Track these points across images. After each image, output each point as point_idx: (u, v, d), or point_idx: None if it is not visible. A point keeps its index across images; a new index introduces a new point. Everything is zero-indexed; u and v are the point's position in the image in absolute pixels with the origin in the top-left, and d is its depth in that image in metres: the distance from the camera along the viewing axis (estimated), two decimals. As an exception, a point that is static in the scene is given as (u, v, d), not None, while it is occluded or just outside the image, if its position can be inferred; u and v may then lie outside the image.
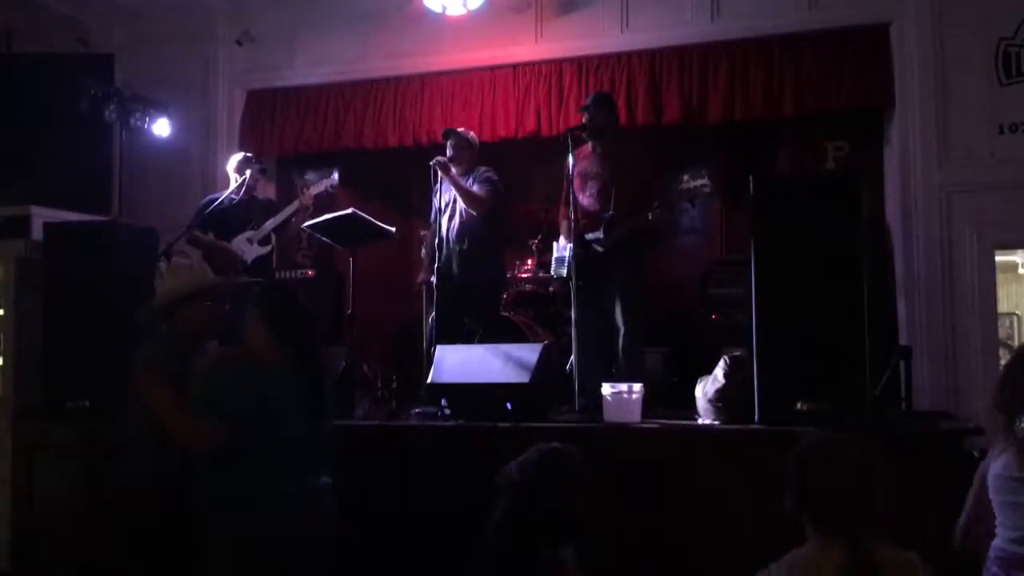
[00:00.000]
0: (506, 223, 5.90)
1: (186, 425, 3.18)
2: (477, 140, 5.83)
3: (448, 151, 5.59)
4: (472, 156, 5.68)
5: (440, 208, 5.57)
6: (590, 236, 5.07)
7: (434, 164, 5.37)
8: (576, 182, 5.07)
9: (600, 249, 5.05)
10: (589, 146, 5.28)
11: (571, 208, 5.01)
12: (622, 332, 5.11)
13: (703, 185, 4.84)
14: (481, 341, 5.18)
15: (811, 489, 2.16)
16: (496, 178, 5.62)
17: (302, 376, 3.25)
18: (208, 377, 3.34)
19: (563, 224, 5.39)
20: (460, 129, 5.81)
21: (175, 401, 3.19)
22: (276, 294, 3.54)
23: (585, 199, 5.14)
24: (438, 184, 5.52)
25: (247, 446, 3.17)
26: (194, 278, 3.88)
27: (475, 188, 5.53)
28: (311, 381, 3.28)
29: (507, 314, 5.71)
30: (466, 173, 5.58)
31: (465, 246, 5.58)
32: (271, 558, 3.15)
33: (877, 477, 2.14)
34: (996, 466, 2.81)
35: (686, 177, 4.91)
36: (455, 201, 5.56)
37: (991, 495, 2.82)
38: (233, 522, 3.18)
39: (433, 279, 5.48)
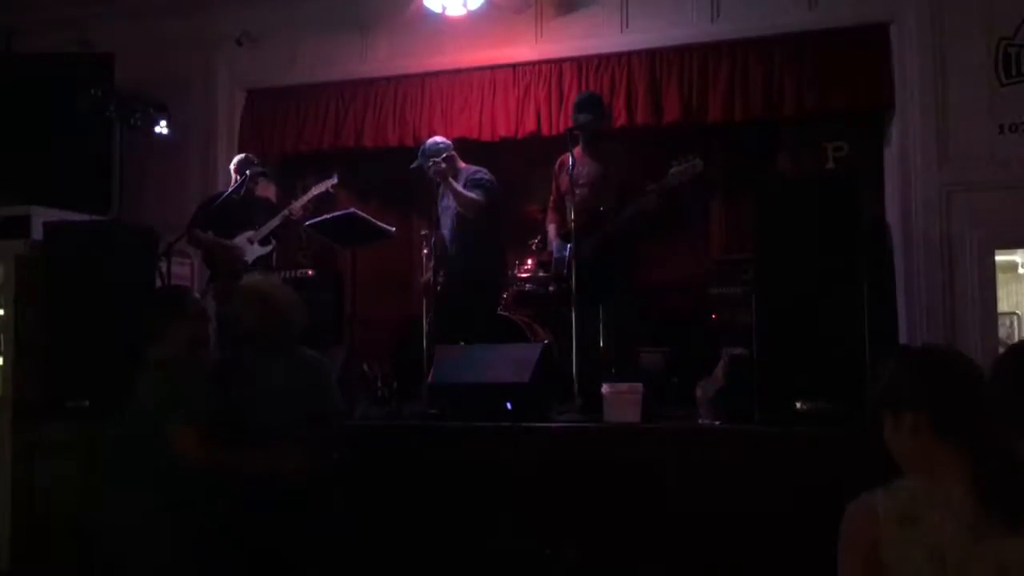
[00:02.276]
0: (504, 221, 5.91)
1: None
2: (449, 142, 5.80)
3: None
4: (455, 161, 5.68)
5: (441, 210, 5.62)
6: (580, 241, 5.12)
7: (435, 174, 5.39)
8: (569, 183, 5.10)
9: (587, 251, 5.10)
10: (580, 147, 5.30)
11: (569, 210, 5.03)
12: (619, 331, 5.13)
13: (693, 165, 4.88)
14: (481, 341, 5.18)
15: (935, 384, 1.86)
16: (486, 178, 5.64)
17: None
18: None
19: (551, 229, 5.44)
20: (430, 143, 5.73)
21: None
22: None
23: (577, 199, 5.16)
24: (439, 188, 5.61)
25: None
26: None
27: (466, 191, 5.55)
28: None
29: (507, 314, 5.72)
30: (455, 176, 5.60)
31: (463, 247, 5.58)
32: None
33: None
34: None
35: (674, 162, 4.95)
36: (437, 203, 5.58)
37: None
38: None
39: (428, 278, 5.52)
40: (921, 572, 1.75)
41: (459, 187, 5.54)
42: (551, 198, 5.50)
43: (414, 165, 5.64)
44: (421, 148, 5.70)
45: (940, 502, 1.77)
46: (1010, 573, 1.72)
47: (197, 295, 3.93)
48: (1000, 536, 1.72)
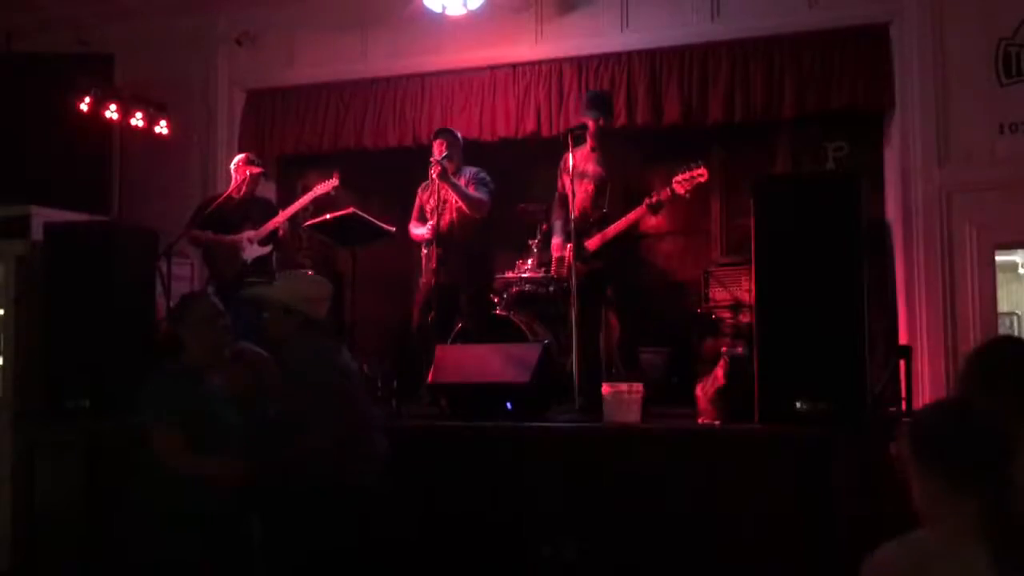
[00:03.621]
0: (493, 223, 5.93)
1: None
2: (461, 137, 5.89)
3: (439, 150, 5.59)
4: (460, 154, 5.72)
5: (430, 209, 5.64)
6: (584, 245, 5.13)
7: (437, 175, 5.40)
8: (571, 181, 5.09)
9: (587, 256, 5.10)
10: (588, 146, 5.28)
11: (571, 207, 5.02)
12: (619, 331, 5.13)
13: (698, 174, 4.87)
14: (481, 341, 5.18)
15: (942, 439, 1.87)
16: (488, 178, 5.67)
17: None
18: None
19: (557, 224, 5.42)
20: (448, 128, 5.88)
21: None
22: None
23: (580, 199, 5.15)
24: (428, 188, 5.62)
25: None
26: None
27: (472, 191, 5.56)
28: None
29: (507, 314, 5.72)
30: (455, 172, 5.62)
31: (458, 246, 5.57)
32: None
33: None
34: None
35: (679, 170, 4.94)
36: (445, 203, 5.57)
37: None
38: None
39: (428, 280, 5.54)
40: None
41: (463, 187, 5.55)
42: (557, 194, 5.48)
43: (434, 138, 5.70)
44: (446, 130, 5.79)
45: (950, 556, 1.75)
46: None
47: (208, 299, 3.93)
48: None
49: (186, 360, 3.46)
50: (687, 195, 4.98)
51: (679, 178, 4.94)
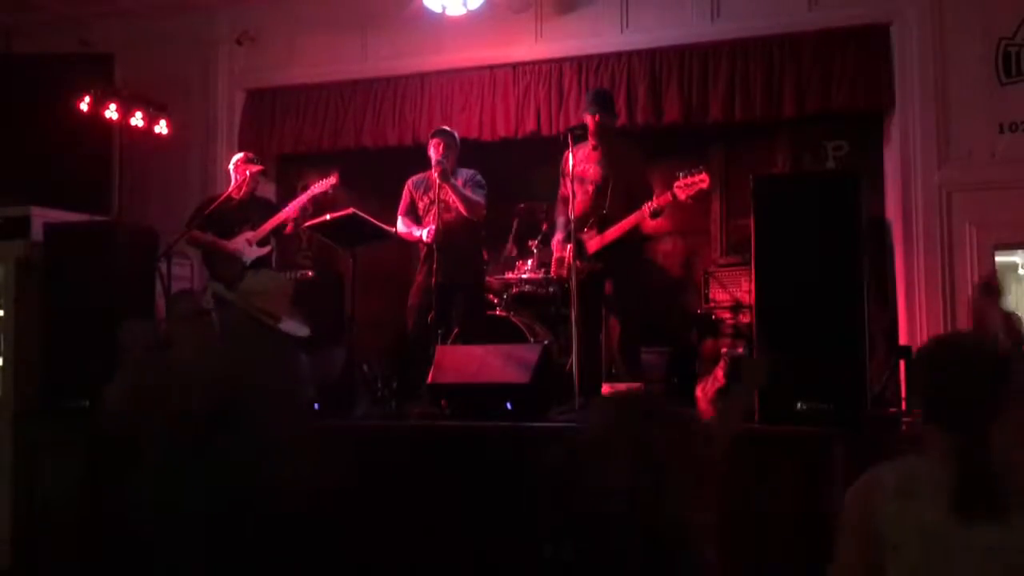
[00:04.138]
0: (490, 223, 5.94)
1: None
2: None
3: (437, 150, 5.57)
4: (457, 155, 5.71)
5: (423, 208, 5.63)
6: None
7: (439, 175, 5.39)
8: (571, 181, 5.07)
9: (587, 256, 5.09)
10: (589, 145, 5.27)
11: (571, 206, 5.02)
12: (620, 332, 5.12)
13: (700, 179, 4.85)
14: (479, 342, 5.18)
15: (933, 380, 1.99)
16: (482, 180, 5.67)
17: None
18: None
19: (560, 221, 5.40)
20: (446, 128, 5.87)
21: None
22: None
23: (580, 199, 5.14)
24: (422, 186, 5.60)
25: None
26: None
27: (470, 194, 5.55)
28: None
29: (507, 315, 5.72)
30: (452, 173, 5.62)
31: (449, 248, 5.58)
32: None
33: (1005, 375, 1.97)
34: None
35: (681, 175, 4.93)
36: (437, 203, 5.55)
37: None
38: None
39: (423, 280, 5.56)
40: (912, 546, 1.85)
41: (462, 189, 5.55)
42: (559, 193, 5.46)
43: (431, 137, 5.67)
44: (445, 130, 5.76)
45: (932, 482, 1.88)
46: (996, 557, 1.81)
47: (191, 297, 3.96)
48: (984, 522, 1.82)
49: (175, 356, 3.46)
50: (688, 201, 4.95)
51: (680, 183, 4.90)
